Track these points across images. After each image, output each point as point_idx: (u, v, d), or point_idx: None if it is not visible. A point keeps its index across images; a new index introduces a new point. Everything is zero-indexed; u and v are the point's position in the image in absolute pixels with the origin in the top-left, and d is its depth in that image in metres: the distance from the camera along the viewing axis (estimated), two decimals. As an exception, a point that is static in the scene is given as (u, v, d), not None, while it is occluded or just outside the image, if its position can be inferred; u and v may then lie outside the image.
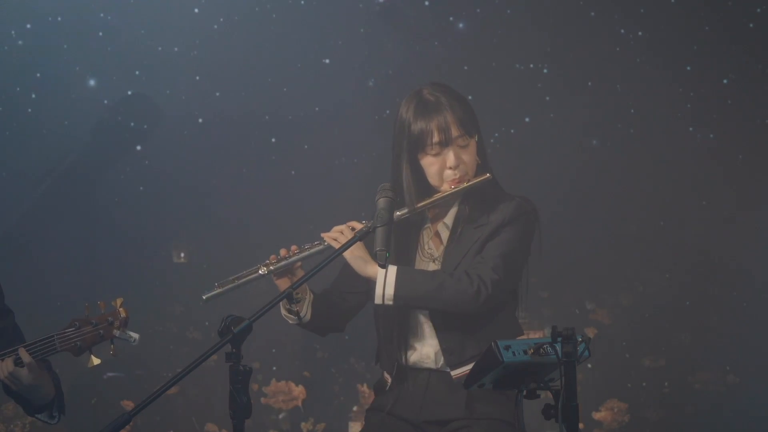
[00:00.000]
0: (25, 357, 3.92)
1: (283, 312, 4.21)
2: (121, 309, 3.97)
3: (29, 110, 7.17)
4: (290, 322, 4.22)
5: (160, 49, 7.21)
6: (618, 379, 7.02)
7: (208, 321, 7.02)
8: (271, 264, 4.13)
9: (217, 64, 7.22)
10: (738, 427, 6.85)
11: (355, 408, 7.05)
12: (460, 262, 4.10)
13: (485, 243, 4.09)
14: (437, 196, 4.14)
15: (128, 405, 6.86)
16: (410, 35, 7.25)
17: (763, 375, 6.86)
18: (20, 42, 7.13)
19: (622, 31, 7.13)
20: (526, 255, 4.17)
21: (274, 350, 7.12)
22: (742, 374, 6.96)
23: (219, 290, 4.12)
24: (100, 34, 7.18)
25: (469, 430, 4.05)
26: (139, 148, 7.32)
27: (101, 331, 3.96)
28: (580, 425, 3.41)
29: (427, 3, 7.25)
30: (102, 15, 7.18)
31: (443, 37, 7.24)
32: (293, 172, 7.28)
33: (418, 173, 4.15)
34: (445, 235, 4.20)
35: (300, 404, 7.10)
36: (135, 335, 3.99)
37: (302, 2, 7.24)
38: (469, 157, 4.13)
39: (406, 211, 4.11)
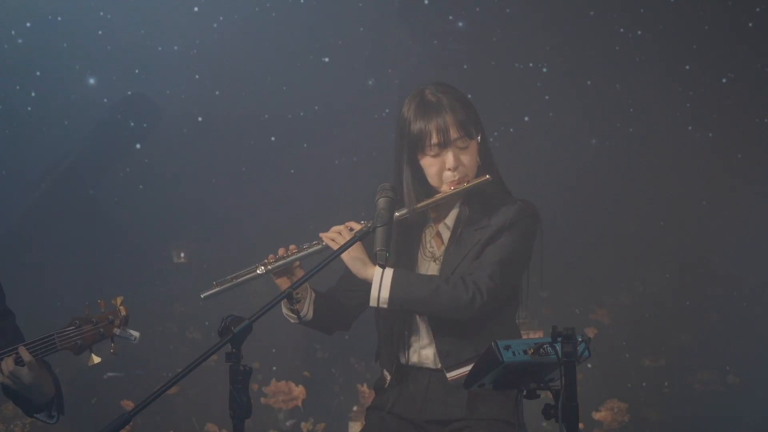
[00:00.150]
0: (26, 355, 3.91)
1: (285, 311, 4.21)
2: (121, 307, 3.97)
3: (29, 108, 7.18)
4: (291, 321, 4.22)
5: (159, 48, 7.21)
6: (618, 379, 7.02)
7: (208, 321, 7.02)
8: (270, 263, 4.13)
9: (217, 62, 7.23)
10: (738, 427, 6.85)
11: (355, 408, 7.05)
12: (460, 264, 4.09)
13: (484, 246, 4.08)
14: (437, 196, 4.13)
15: (128, 405, 6.86)
16: (410, 34, 7.25)
17: (763, 375, 6.86)
18: (20, 40, 7.13)
19: (622, 30, 7.14)
20: (526, 260, 4.16)
21: (274, 350, 7.12)
22: (742, 374, 6.96)
23: (217, 289, 4.12)
24: (100, 32, 7.19)
25: (470, 430, 4.05)
26: (138, 146, 7.33)
27: (102, 330, 3.95)
28: (580, 425, 3.41)
29: (426, 2, 7.25)
30: (102, 14, 7.18)
31: (443, 36, 7.25)
32: (292, 171, 7.28)
33: (418, 173, 4.15)
34: (446, 235, 4.19)
35: (300, 404, 7.10)
36: (135, 333, 3.98)
37: (302, 1, 7.24)
38: (468, 158, 4.12)
39: (405, 211, 4.11)
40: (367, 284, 4.11)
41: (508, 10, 7.18)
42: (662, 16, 7.11)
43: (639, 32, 7.13)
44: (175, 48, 7.22)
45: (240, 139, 7.26)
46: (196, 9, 7.21)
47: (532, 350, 3.38)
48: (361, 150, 7.15)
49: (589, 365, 6.91)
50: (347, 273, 4.20)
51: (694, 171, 7.06)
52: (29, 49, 7.12)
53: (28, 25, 7.13)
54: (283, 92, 7.23)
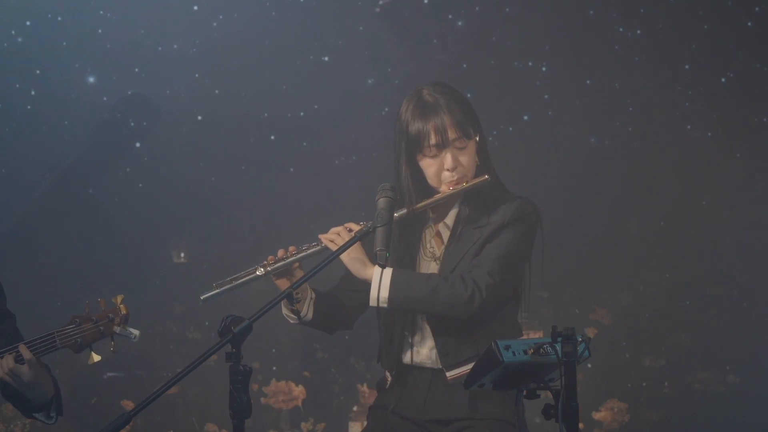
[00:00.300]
0: (26, 354, 3.91)
1: (285, 311, 4.21)
2: (121, 306, 3.97)
3: (29, 107, 7.18)
4: (291, 321, 4.22)
5: (159, 47, 7.21)
6: (618, 379, 7.02)
7: (208, 321, 7.02)
8: (269, 265, 4.13)
9: (217, 61, 7.23)
10: (738, 427, 6.85)
11: (355, 408, 7.05)
12: (459, 263, 4.09)
13: (484, 244, 4.08)
14: (437, 197, 4.13)
15: (128, 405, 6.86)
16: (409, 33, 7.25)
17: (763, 375, 6.86)
18: (20, 39, 7.14)
19: (621, 29, 7.14)
20: (526, 257, 4.15)
21: (274, 350, 7.12)
22: (742, 374, 6.96)
23: (217, 290, 4.12)
24: (100, 31, 7.19)
25: (472, 430, 4.05)
26: (138, 145, 7.33)
27: (102, 328, 3.95)
28: (580, 425, 3.41)
29: (426, 1, 7.25)
30: (101, 13, 7.18)
31: (442, 35, 7.25)
32: (292, 170, 7.29)
33: (418, 174, 4.14)
34: (446, 235, 4.19)
35: (300, 404, 7.10)
36: (135, 332, 3.98)
37: (301, 0, 7.24)
38: (467, 159, 4.12)
39: (405, 211, 4.11)
40: (367, 284, 4.10)
41: (507, 10, 7.18)
42: (662, 16, 7.11)
43: (638, 32, 7.13)
44: (175, 47, 7.22)
45: (240, 138, 7.26)
46: (195, 8, 7.22)
47: (532, 350, 3.38)
48: (360, 149, 7.15)
49: (589, 365, 6.91)
50: (348, 273, 4.19)
51: (693, 170, 7.06)
52: (29, 47, 7.13)
53: (28, 23, 7.13)
54: (283, 91, 7.23)
